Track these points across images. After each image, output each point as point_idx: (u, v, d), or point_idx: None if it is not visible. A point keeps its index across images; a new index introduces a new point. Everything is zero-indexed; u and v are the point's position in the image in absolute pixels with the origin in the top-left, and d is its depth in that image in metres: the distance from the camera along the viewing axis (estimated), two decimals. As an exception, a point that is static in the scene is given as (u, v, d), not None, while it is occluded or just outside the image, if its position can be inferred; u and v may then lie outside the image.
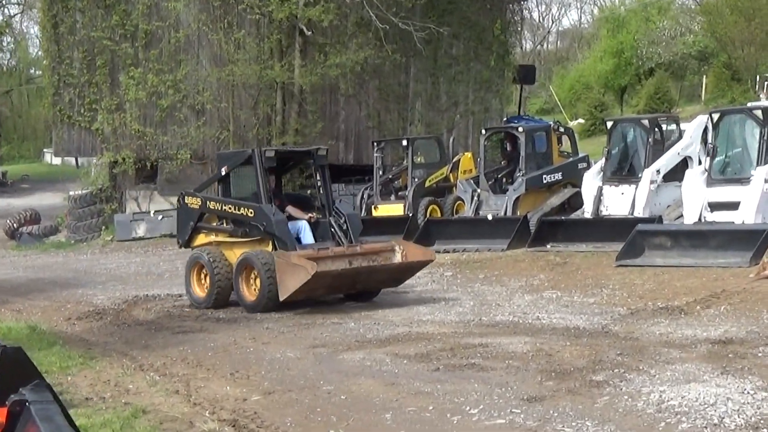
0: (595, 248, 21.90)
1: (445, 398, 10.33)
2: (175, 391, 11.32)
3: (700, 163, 23.69)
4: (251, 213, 17.54)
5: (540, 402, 9.95)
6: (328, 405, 10.36)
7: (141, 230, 33.17)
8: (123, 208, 35.08)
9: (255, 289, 17.17)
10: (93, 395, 11.21)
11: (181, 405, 10.65)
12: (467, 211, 27.53)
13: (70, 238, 35.29)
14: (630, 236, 20.15)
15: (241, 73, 34.28)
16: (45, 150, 74.76)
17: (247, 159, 18.00)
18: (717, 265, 18.53)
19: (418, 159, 31.30)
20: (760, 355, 11.73)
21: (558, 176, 28.03)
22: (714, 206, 21.22)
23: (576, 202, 26.67)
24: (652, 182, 23.71)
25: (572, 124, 51.40)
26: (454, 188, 29.69)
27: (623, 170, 25.11)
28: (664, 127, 25.78)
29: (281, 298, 16.56)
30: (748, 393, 9.82)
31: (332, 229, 17.87)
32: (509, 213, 26.27)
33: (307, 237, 17.82)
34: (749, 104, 24.43)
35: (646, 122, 25.42)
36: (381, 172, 30.72)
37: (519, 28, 50.41)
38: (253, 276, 17.21)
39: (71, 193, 36.71)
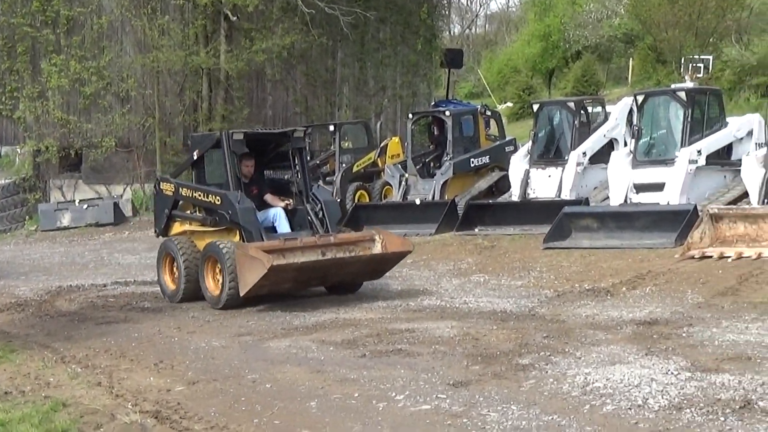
0: (522, 231, 21.95)
1: (371, 385, 10.25)
2: (97, 383, 11.11)
3: (625, 144, 23.85)
4: (218, 201, 16.40)
5: (466, 386, 9.90)
6: (252, 394, 10.23)
7: (66, 220, 32.68)
8: (47, 198, 34.50)
9: (220, 283, 15.96)
10: (12, 389, 10.97)
11: (103, 397, 10.45)
12: (395, 196, 27.46)
13: (-6, 228, 34.78)
14: (557, 219, 20.23)
15: (166, 59, 33.92)
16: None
17: (216, 142, 16.77)
18: (643, 246, 18.65)
19: (346, 144, 31.18)
20: (684, 335, 11.80)
21: (485, 160, 28.04)
22: (639, 188, 21.36)
23: (503, 185, 26.71)
24: (578, 164, 23.82)
25: (501, 107, 51.49)
26: (382, 173, 29.60)
27: (550, 153, 25.18)
28: (590, 109, 25.91)
29: (241, 294, 15.27)
30: (672, 374, 9.85)
31: (308, 217, 16.63)
32: (437, 197, 26.23)
33: (283, 226, 16.62)
34: (673, 86, 24.58)
35: (572, 105, 25.51)
36: (308, 158, 30.52)
37: (446, 12, 50.51)
38: (218, 269, 15.96)
39: (-6, 182, 36.17)
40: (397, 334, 12.82)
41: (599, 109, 26.47)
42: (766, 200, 18.48)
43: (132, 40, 35.11)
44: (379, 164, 30.17)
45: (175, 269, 17.07)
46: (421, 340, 12.42)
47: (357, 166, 29.84)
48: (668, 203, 20.59)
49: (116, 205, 32.79)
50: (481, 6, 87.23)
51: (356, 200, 27.93)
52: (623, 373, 9.95)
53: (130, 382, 11.08)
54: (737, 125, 22.59)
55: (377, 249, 16.33)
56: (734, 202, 20.23)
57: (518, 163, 24.98)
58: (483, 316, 13.92)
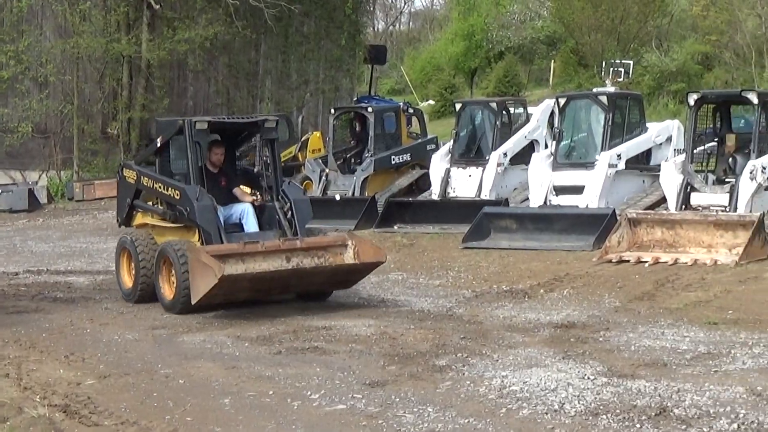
0: (441, 230, 21.93)
1: (286, 383, 10.14)
2: (5, 375, 10.87)
3: (546, 146, 23.94)
4: (177, 195, 14.84)
5: (382, 387, 9.83)
6: (165, 389, 10.08)
7: (-21, 206, 32.10)
8: (-39, 183, 33.96)
9: (174, 286, 14.44)
10: None
11: (10, 389, 10.22)
12: (315, 191, 27.31)
13: None
14: (476, 218, 20.23)
15: (87, 45, 33.56)
16: None
17: (179, 130, 15.16)
18: (561, 248, 18.72)
19: (267, 137, 30.93)
20: (600, 340, 11.82)
21: (406, 157, 28.01)
22: (559, 190, 21.44)
23: (424, 183, 26.69)
24: (499, 165, 23.87)
25: (423, 105, 51.61)
26: (302, 167, 29.47)
27: (471, 152, 25.21)
28: (512, 110, 25.96)
29: (192, 302, 13.79)
30: (589, 378, 9.85)
31: (277, 217, 15.10)
32: (357, 193, 26.15)
33: (251, 223, 15.13)
34: (595, 90, 24.74)
35: (494, 105, 25.56)
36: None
37: (371, 8, 50.44)
38: (173, 271, 14.41)
39: None
40: (314, 331, 12.72)
41: (521, 110, 26.55)
42: (683, 206, 18.63)
43: (52, 24, 34.65)
44: (300, 158, 30.05)
45: (132, 266, 15.63)
46: (338, 338, 12.33)
47: (277, 159, 29.60)
48: (587, 206, 20.71)
49: (31, 192, 32.18)
50: (405, 3, 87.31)
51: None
52: (540, 377, 9.94)
53: (39, 375, 10.85)
54: (657, 131, 22.80)
55: (349, 256, 14.59)
56: (652, 207, 20.38)
57: (439, 162, 24.98)
58: (400, 315, 13.86)
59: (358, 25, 43.20)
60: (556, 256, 18.25)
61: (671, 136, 22.77)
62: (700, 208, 18.39)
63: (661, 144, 22.71)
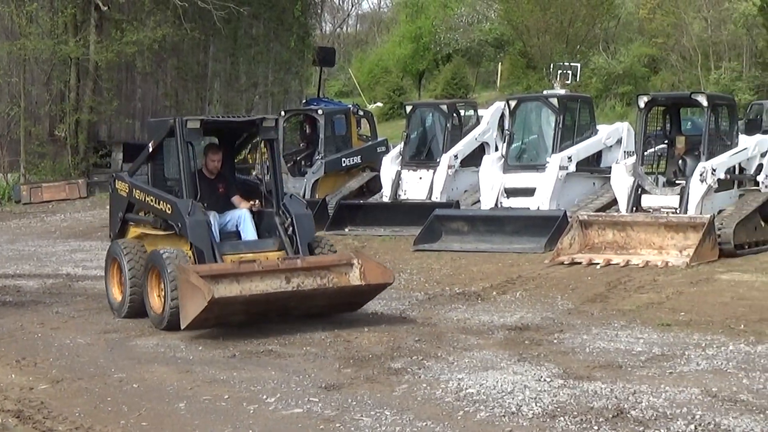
0: (393, 232, 21.95)
1: (241, 386, 10.08)
2: (-45, 381, 10.76)
3: (497, 149, 23.99)
4: (169, 209, 13.69)
5: (338, 390, 9.80)
6: (119, 394, 9.98)
7: None
8: None
9: (163, 299, 13.28)
10: None
11: (-39, 395, 10.11)
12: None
13: None
14: (427, 221, 20.26)
15: (34, 47, 33.29)
16: None
17: (171, 131, 13.92)
18: (513, 250, 18.79)
19: (216, 140, 30.79)
20: (555, 342, 11.85)
21: (357, 160, 28.02)
22: (510, 192, 21.49)
23: (375, 185, 26.67)
24: (449, 167, 23.87)
25: (371, 107, 51.63)
26: (252, 170, 29.34)
27: (421, 155, 25.22)
28: (462, 112, 25.99)
29: (182, 326, 12.50)
30: (545, 380, 9.87)
31: (277, 231, 13.85)
32: (308, 196, 26.04)
33: (248, 231, 14.04)
34: (545, 92, 24.84)
35: (444, 107, 25.58)
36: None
37: (319, 11, 50.37)
38: (162, 283, 13.23)
39: None
40: (268, 334, 12.63)
41: (471, 112, 26.62)
42: (634, 208, 18.73)
43: (-2, 26, 34.30)
44: (250, 161, 29.90)
45: (122, 278, 14.37)
46: (292, 341, 12.27)
47: (227, 162, 29.46)
48: (538, 208, 20.78)
49: (-24, 195, 31.96)
50: (353, 5, 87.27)
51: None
52: (496, 379, 9.94)
53: (-10, 380, 10.73)
54: (607, 133, 22.92)
55: (354, 277, 13.51)
56: (603, 209, 20.48)
57: (390, 164, 24.95)
58: (354, 317, 13.78)
59: (307, 27, 43.15)
60: (508, 258, 18.31)
61: (621, 139, 22.90)
62: (651, 210, 18.48)
63: (611, 146, 22.83)
